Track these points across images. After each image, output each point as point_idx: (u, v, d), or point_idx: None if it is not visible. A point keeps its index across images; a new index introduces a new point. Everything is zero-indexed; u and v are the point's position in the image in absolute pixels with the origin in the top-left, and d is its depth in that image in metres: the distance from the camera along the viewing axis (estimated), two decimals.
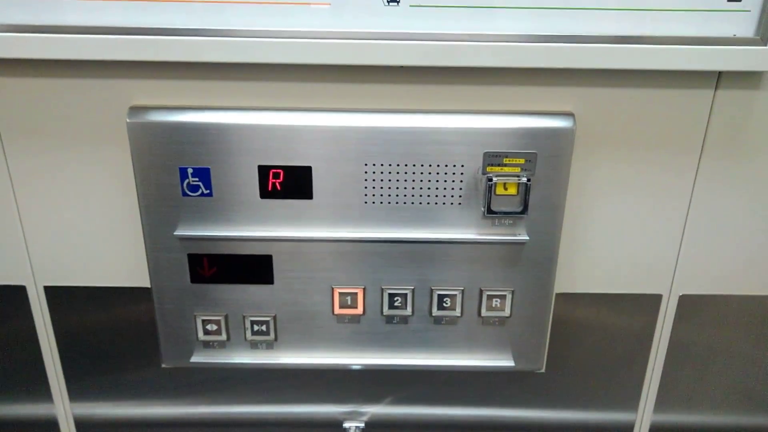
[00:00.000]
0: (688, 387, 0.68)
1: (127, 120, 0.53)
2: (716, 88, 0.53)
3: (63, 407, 0.69)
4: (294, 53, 0.49)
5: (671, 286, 0.62)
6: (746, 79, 0.53)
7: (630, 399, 0.69)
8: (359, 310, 0.60)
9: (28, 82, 0.53)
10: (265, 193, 0.55)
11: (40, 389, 0.68)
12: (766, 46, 0.49)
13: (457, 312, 0.60)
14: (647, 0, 0.48)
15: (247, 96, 0.53)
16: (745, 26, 0.49)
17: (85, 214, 0.59)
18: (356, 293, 0.59)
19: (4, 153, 0.56)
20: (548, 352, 0.65)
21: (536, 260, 0.58)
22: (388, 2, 0.48)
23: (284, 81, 0.53)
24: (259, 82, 0.53)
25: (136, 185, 0.55)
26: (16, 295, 0.62)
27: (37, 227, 0.59)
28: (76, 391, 0.68)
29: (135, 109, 0.53)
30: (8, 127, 0.55)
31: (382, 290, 0.59)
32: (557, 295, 0.62)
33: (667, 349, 0.66)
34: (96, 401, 0.69)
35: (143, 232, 0.57)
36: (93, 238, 0.60)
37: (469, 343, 0.62)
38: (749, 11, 0.48)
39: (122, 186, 0.57)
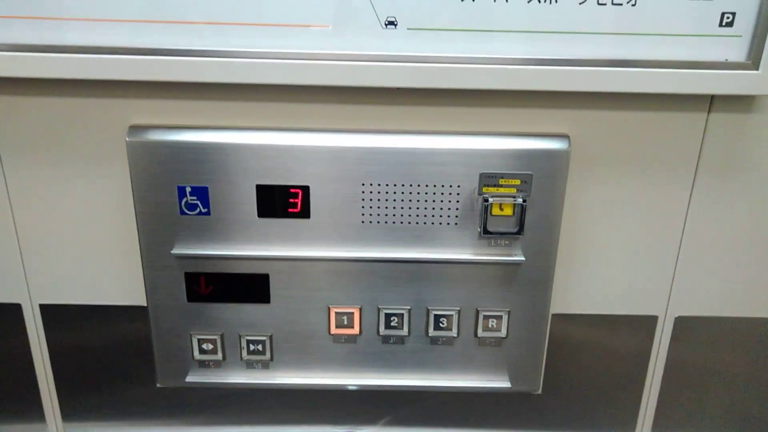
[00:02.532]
0: (685, 408, 0.68)
1: (127, 139, 0.53)
2: (709, 111, 0.54)
3: (56, 427, 0.69)
4: (293, 74, 0.50)
5: (667, 308, 0.63)
6: (738, 102, 0.54)
7: (627, 420, 0.69)
8: (356, 330, 0.60)
9: (28, 101, 0.53)
10: (263, 212, 0.55)
11: (33, 408, 0.67)
12: (757, 70, 0.50)
13: (454, 332, 0.60)
14: (641, 25, 0.49)
15: (246, 116, 0.54)
16: (737, 51, 0.50)
17: (82, 232, 0.59)
18: (353, 313, 0.59)
19: (3, 170, 0.56)
20: (545, 373, 0.64)
21: (532, 281, 0.58)
22: (386, 25, 0.49)
23: (283, 102, 0.53)
24: (258, 102, 0.54)
25: (134, 203, 0.55)
26: (12, 312, 0.62)
27: (35, 245, 0.59)
28: (69, 411, 0.68)
29: (134, 128, 0.54)
30: (8, 145, 0.55)
31: (379, 310, 0.59)
32: (553, 315, 0.62)
33: (664, 370, 0.66)
34: (89, 421, 0.69)
35: (140, 250, 0.57)
36: (90, 256, 0.60)
37: (466, 364, 0.62)
38: (741, 36, 0.49)
39: (120, 204, 0.57)
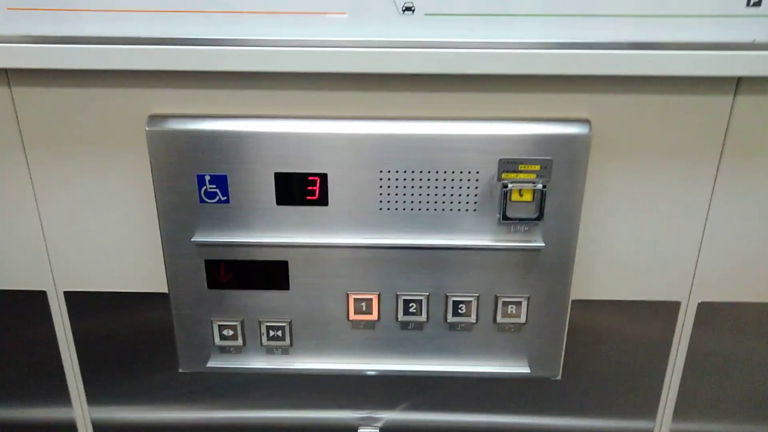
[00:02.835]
0: (708, 395, 0.67)
1: (146, 128, 0.54)
2: (735, 94, 0.53)
3: (81, 411, 0.70)
4: (311, 62, 0.50)
5: (690, 294, 0.62)
6: (766, 84, 0.52)
7: (648, 407, 0.68)
8: (374, 316, 0.60)
9: (50, 92, 0.54)
10: (282, 199, 0.56)
11: (59, 393, 0.69)
12: None
13: (473, 318, 0.60)
14: (664, 5, 0.48)
15: (264, 104, 0.54)
16: (765, 31, 0.48)
17: (104, 220, 0.59)
18: (371, 299, 0.60)
19: (27, 160, 0.57)
20: (564, 360, 0.64)
21: (552, 267, 0.58)
22: (404, 11, 0.49)
23: (301, 89, 0.53)
24: (276, 90, 0.53)
25: (155, 192, 0.56)
26: (37, 300, 0.64)
27: (58, 233, 0.60)
28: (94, 395, 0.69)
29: (154, 118, 0.54)
30: (31, 135, 0.56)
31: (397, 296, 0.59)
32: (573, 301, 0.62)
33: (686, 357, 0.65)
34: (114, 405, 0.70)
35: (161, 238, 0.58)
36: (112, 244, 0.60)
37: (485, 350, 0.62)
38: None
39: (141, 193, 0.57)
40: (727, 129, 0.54)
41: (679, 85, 0.52)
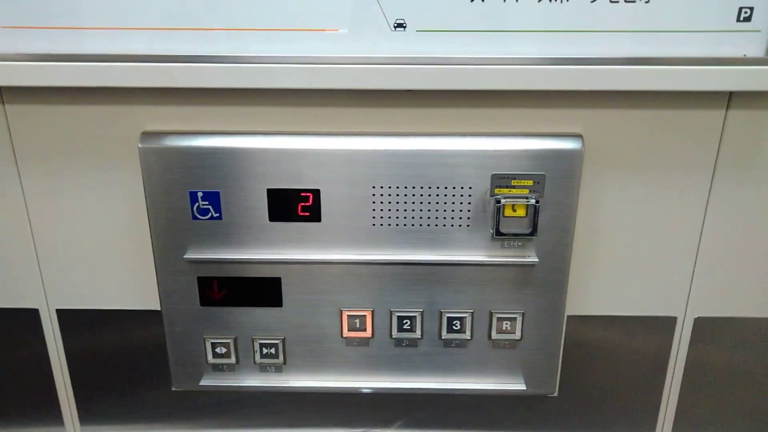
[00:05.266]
0: (706, 411, 0.67)
1: (139, 145, 0.54)
2: (727, 108, 0.53)
3: (73, 429, 0.69)
4: (303, 78, 0.50)
5: (686, 309, 0.61)
6: (757, 99, 0.52)
7: (646, 424, 0.67)
8: (368, 333, 0.60)
9: (43, 109, 0.54)
10: (274, 216, 0.55)
11: (51, 411, 0.68)
12: None
13: (467, 335, 0.59)
14: (656, 21, 0.48)
15: (257, 120, 0.54)
16: (756, 46, 0.49)
17: (97, 237, 0.59)
18: (365, 316, 0.59)
19: (20, 177, 0.57)
20: (560, 376, 0.64)
21: (547, 282, 0.57)
22: (396, 27, 0.49)
23: (293, 106, 0.53)
24: (268, 107, 0.53)
25: (148, 209, 0.56)
26: (29, 317, 0.63)
27: (51, 251, 0.60)
28: (86, 414, 0.69)
29: (147, 135, 0.54)
30: (24, 152, 0.56)
31: (391, 313, 0.59)
32: (569, 317, 0.61)
33: (683, 372, 0.64)
34: (106, 424, 0.69)
35: (154, 255, 0.57)
36: (105, 261, 0.60)
37: (480, 367, 0.61)
38: (759, 31, 0.48)
39: (134, 210, 0.57)
40: (720, 143, 0.54)
41: (671, 100, 0.52)
